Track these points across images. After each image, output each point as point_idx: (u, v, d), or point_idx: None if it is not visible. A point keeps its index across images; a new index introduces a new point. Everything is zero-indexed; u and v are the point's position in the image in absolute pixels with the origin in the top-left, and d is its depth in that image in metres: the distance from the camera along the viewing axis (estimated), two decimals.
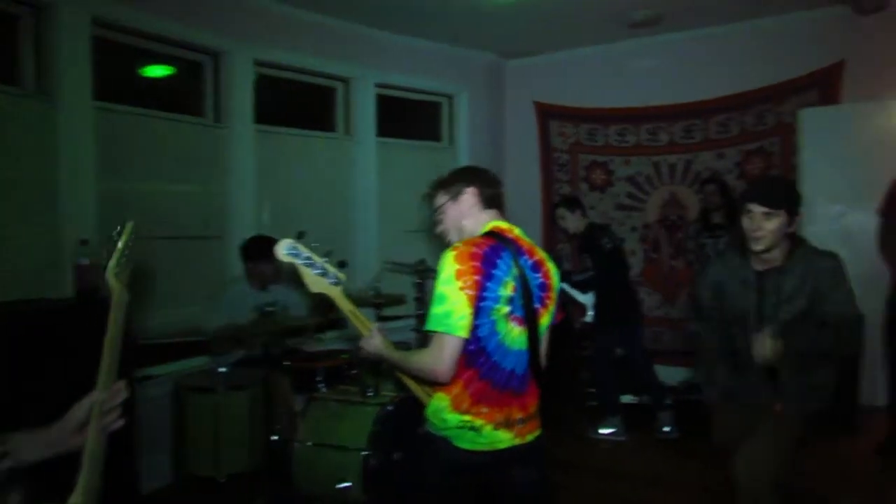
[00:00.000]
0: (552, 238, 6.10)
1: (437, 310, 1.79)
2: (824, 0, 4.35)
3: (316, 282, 2.02)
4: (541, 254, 2.03)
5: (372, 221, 5.19)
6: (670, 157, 5.49)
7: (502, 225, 1.99)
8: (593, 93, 5.76)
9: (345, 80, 5.08)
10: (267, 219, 4.55)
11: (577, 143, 5.94)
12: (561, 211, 4.63)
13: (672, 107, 5.37)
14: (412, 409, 2.92)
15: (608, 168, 5.81)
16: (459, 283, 1.78)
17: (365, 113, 5.12)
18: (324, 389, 3.41)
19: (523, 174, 6.18)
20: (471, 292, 1.78)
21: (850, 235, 4.66)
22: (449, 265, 1.80)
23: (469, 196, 2.03)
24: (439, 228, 2.10)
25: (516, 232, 2.00)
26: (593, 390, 4.86)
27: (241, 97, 4.33)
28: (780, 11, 4.83)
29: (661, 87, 5.41)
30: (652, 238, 5.66)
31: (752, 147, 5.12)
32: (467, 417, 1.87)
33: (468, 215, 2.03)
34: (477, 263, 1.81)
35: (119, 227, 1.44)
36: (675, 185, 5.50)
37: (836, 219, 4.69)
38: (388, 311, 3.75)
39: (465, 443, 1.88)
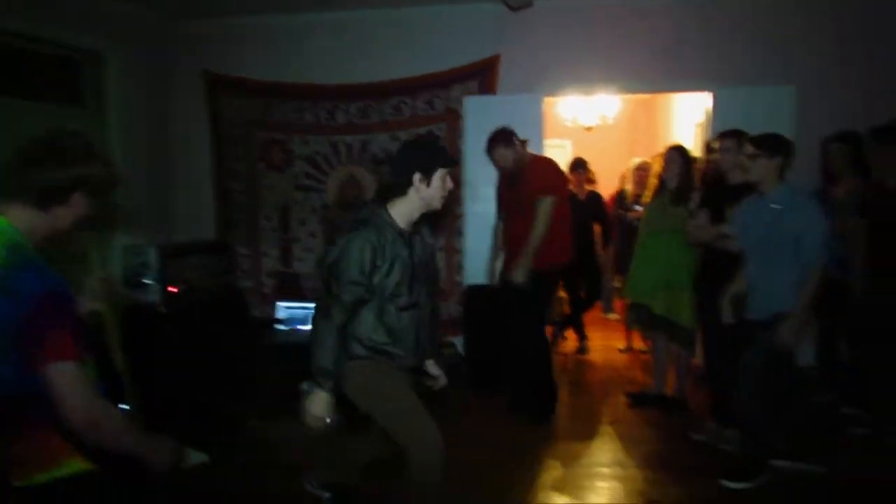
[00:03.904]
0: (227, 221, 5.65)
1: None
2: None
3: None
4: None
5: None
6: (347, 137, 5.43)
7: None
8: (269, 66, 5.42)
9: None
10: None
11: (252, 119, 5.55)
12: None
13: (348, 87, 5.30)
14: None
15: (286, 147, 5.54)
16: None
17: None
18: None
19: (192, 150, 5.61)
20: None
21: None
22: None
23: None
24: None
25: None
26: None
27: None
28: (445, 1, 5.03)
29: (337, 65, 5.30)
30: (331, 219, 5.54)
31: (423, 130, 5.30)
32: None
33: None
34: None
35: None
36: (353, 165, 5.45)
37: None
38: None
39: None
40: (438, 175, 2.35)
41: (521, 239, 3.86)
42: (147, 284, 4.03)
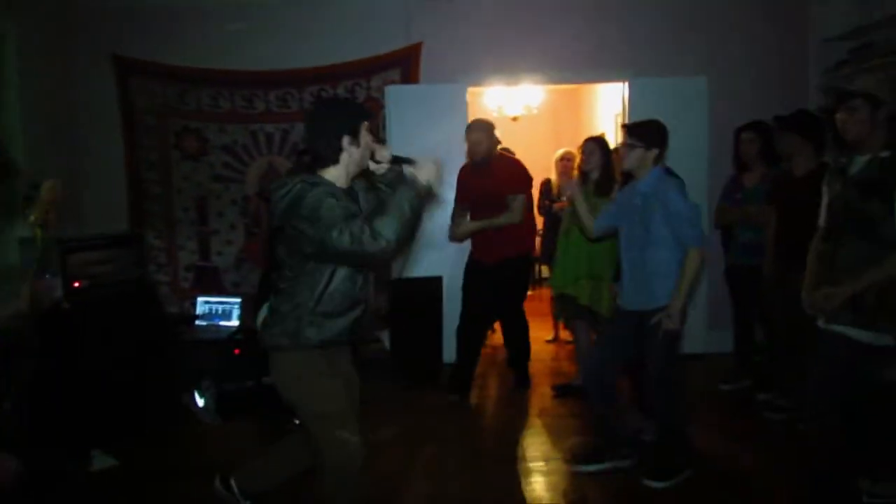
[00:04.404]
0: (141, 212, 5.37)
1: None
2: None
3: None
4: None
5: None
6: (267, 126, 5.25)
7: None
8: (182, 50, 5.17)
9: None
10: None
11: (165, 106, 5.29)
12: None
13: (265, 73, 5.12)
14: None
15: (202, 135, 5.31)
16: None
17: None
18: None
19: (102, 138, 5.31)
20: None
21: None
22: None
23: None
24: None
25: None
26: None
27: None
28: None
29: (254, 51, 5.09)
30: (252, 211, 5.37)
31: None
32: None
33: None
34: None
35: None
36: (273, 155, 5.29)
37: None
38: None
39: None
40: (363, 132, 2.24)
41: (491, 229, 4.17)
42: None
